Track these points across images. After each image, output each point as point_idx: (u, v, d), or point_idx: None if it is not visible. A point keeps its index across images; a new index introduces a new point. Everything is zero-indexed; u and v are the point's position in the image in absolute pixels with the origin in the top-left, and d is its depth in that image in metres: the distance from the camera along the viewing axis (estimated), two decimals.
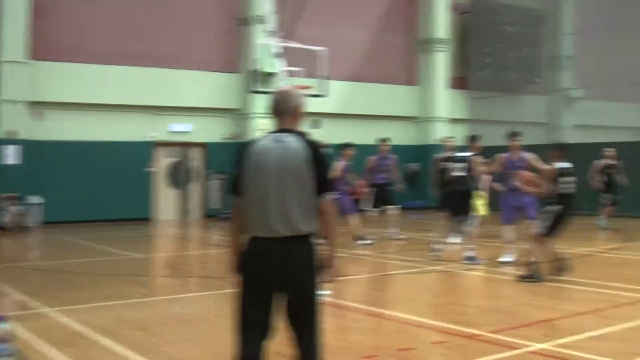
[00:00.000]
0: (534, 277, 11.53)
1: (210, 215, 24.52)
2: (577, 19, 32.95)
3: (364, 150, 18.39)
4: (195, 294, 11.50)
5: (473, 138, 14.38)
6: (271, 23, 24.57)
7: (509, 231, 13.65)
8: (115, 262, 14.90)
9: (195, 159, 25.43)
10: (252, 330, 4.93)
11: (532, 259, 11.70)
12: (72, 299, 10.33)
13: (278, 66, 24.15)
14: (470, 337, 7.97)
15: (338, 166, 16.12)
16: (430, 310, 10.05)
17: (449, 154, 15.09)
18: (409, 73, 30.53)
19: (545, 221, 11.70)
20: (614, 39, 29.65)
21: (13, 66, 21.76)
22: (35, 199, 21.67)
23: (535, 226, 12.04)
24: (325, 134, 22.84)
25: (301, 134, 5.02)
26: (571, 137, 30.24)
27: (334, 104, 26.05)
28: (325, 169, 4.95)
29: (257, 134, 20.22)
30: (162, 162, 24.71)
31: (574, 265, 12.01)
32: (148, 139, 24.08)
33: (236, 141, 24.74)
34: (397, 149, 18.62)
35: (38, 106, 22.28)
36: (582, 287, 11.22)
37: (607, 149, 20.15)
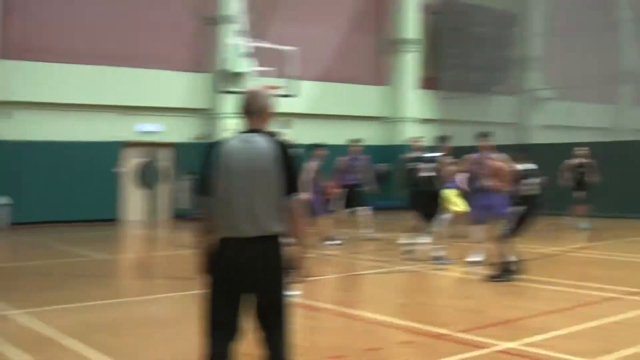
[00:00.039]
0: (502, 276, 11.61)
1: (179, 216, 24.37)
2: (546, 21, 33.17)
3: (334, 150, 18.39)
4: (164, 295, 11.44)
5: (442, 138, 14.44)
6: (241, 23, 24.56)
7: (478, 231, 13.73)
8: (83, 264, 14.78)
9: (164, 159, 25.29)
10: (220, 331, 4.91)
11: (501, 259, 11.78)
12: (39, 301, 10.24)
13: (247, 66, 24.13)
14: (438, 336, 8.00)
15: (311, 167, 16.14)
16: (399, 310, 10.07)
17: (417, 154, 15.17)
18: (379, 73, 30.59)
19: (509, 222, 11.80)
20: (582, 40, 29.92)
21: None
22: (2, 200, 21.46)
23: (500, 227, 12.13)
24: (295, 135, 22.81)
25: (270, 135, 5.01)
26: (539, 137, 30.48)
27: (304, 104, 26.04)
28: (294, 170, 4.94)
29: (226, 134, 20.14)
30: (131, 162, 24.56)
31: (533, 267, 12.14)
32: (117, 139, 23.90)
33: (205, 141, 24.63)
34: (366, 149, 18.61)
35: (6, 106, 22.05)
36: (550, 287, 11.31)
37: (578, 148, 20.24)
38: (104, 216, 23.26)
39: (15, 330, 8.46)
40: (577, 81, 29.95)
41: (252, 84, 21.66)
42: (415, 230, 14.53)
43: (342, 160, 17.52)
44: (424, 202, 14.01)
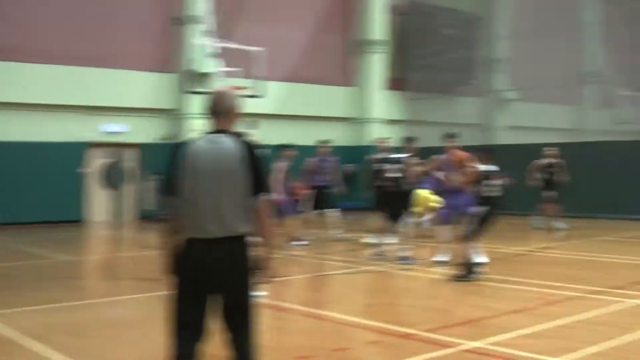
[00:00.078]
0: (467, 276, 11.69)
1: (144, 217, 24.25)
2: (511, 23, 33.43)
3: (301, 151, 18.34)
4: (129, 296, 11.37)
5: (409, 139, 14.49)
6: (207, 23, 24.49)
7: (444, 231, 13.80)
8: (47, 265, 14.65)
9: (130, 159, 25.13)
10: (186, 331, 4.89)
11: (465, 259, 11.86)
12: (1, 303, 10.12)
13: (214, 66, 24.08)
14: (405, 336, 8.03)
15: (280, 167, 16.14)
16: (366, 310, 10.10)
17: (383, 155, 15.23)
18: (346, 74, 30.65)
19: (471, 223, 11.89)
20: (546, 42, 30.19)
21: None
22: None
23: (463, 227, 12.21)
24: (262, 135, 22.78)
25: (237, 135, 5.01)
26: (504, 138, 30.72)
27: (270, 104, 26.03)
28: (261, 170, 4.94)
29: (192, 135, 20.07)
30: (96, 163, 24.37)
31: (498, 267, 12.22)
32: (82, 140, 23.70)
33: (171, 142, 24.50)
34: (334, 149, 18.61)
35: None
36: (515, 286, 11.39)
37: (548, 148, 20.37)
38: (68, 217, 23.06)
39: None
40: (542, 82, 30.22)
41: (218, 85, 21.62)
42: (382, 231, 14.59)
43: (311, 161, 17.50)
44: (390, 202, 14.07)
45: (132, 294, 11.50)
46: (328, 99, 29.61)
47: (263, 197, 4.93)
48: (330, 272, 13.85)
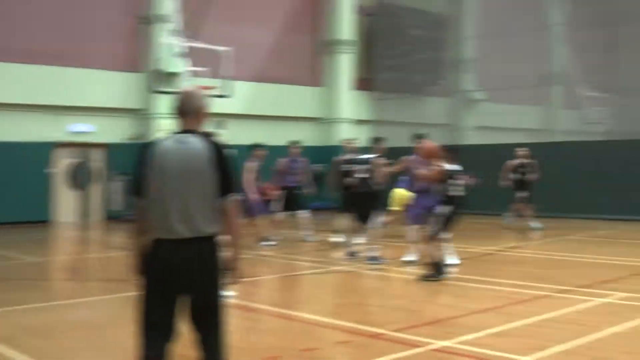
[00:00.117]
0: (435, 276, 11.72)
1: (112, 217, 24.10)
2: (478, 23, 33.62)
3: (269, 151, 18.31)
4: (97, 297, 11.28)
5: (376, 140, 14.50)
6: (175, 22, 24.38)
7: (413, 231, 13.83)
8: (12, 267, 14.51)
9: (97, 160, 24.95)
10: (155, 332, 4.85)
11: (432, 259, 11.89)
12: None
13: (182, 66, 23.97)
14: (374, 336, 8.04)
15: (250, 167, 16.11)
16: (335, 310, 10.10)
17: (350, 156, 15.24)
18: (314, 74, 30.65)
19: (436, 223, 11.94)
20: (514, 43, 30.41)
21: None
22: None
23: (428, 227, 12.24)
24: (230, 135, 22.74)
25: (205, 135, 4.98)
26: (472, 138, 30.90)
27: (238, 104, 25.97)
28: (229, 170, 4.92)
29: (160, 135, 19.95)
30: (63, 163, 24.17)
31: (466, 267, 12.28)
32: (48, 140, 23.47)
33: (139, 142, 24.35)
34: (304, 150, 18.55)
35: None
36: (483, 285, 11.45)
37: (519, 148, 20.48)
38: (35, 218, 22.84)
39: None
40: (509, 83, 30.43)
41: (186, 84, 21.53)
42: (351, 232, 14.61)
43: (281, 162, 17.43)
44: (358, 203, 14.10)
45: (100, 295, 11.41)
46: (296, 99, 29.59)
47: (231, 198, 4.91)
48: (299, 273, 13.84)
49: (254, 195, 16.10)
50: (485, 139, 29.02)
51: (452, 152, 12.40)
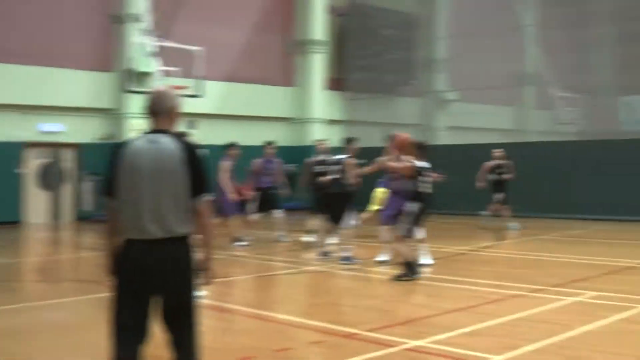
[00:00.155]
0: (408, 275, 11.73)
1: (83, 218, 23.93)
2: (451, 23, 33.73)
3: (242, 151, 18.25)
4: (69, 299, 11.17)
5: (349, 140, 14.49)
6: (146, 22, 24.25)
7: (387, 231, 13.83)
8: None
9: (68, 160, 24.76)
10: (128, 333, 4.82)
11: (404, 259, 11.90)
12: None
13: (153, 66, 23.85)
14: (348, 336, 8.03)
15: (225, 166, 16.07)
16: (309, 311, 10.08)
17: (322, 156, 15.24)
18: (286, 74, 30.60)
19: (405, 222, 11.95)
20: (486, 43, 30.53)
21: None
22: None
23: (399, 226, 12.22)
24: (202, 135, 22.67)
25: (177, 135, 4.95)
26: (445, 138, 31.00)
27: (210, 104, 25.90)
28: (201, 171, 4.90)
29: (131, 135, 19.82)
30: (33, 163, 23.95)
31: (440, 266, 12.32)
32: (18, 139, 23.25)
33: (110, 142, 24.18)
34: (278, 150, 18.48)
35: None
36: (456, 285, 11.48)
37: (495, 150, 20.53)
38: (5, 219, 22.59)
39: None
40: (481, 83, 30.55)
41: (158, 84, 21.43)
42: (324, 232, 14.61)
43: (256, 162, 17.35)
44: (331, 204, 14.11)
45: (71, 297, 11.32)
46: (268, 99, 29.52)
47: (203, 198, 4.89)
48: (272, 273, 13.81)
49: (231, 194, 16.07)
50: (457, 139, 29.13)
51: (421, 148, 12.42)
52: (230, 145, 16.57)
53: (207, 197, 4.93)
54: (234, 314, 9.77)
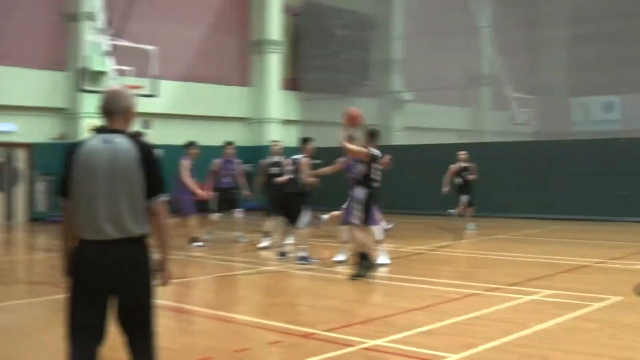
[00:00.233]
0: (363, 274, 11.73)
1: (36, 219, 23.62)
2: (407, 24, 33.87)
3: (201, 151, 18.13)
4: (22, 301, 10.99)
5: (305, 140, 14.47)
6: (100, 20, 24.01)
7: (346, 231, 13.84)
8: None
9: (20, 160, 24.41)
10: (84, 334, 4.76)
11: (362, 249, 11.88)
12: None
13: (107, 65, 23.62)
14: (306, 335, 8.01)
15: (185, 165, 15.98)
16: (266, 311, 10.04)
17: (276, 158, 15.24)
18: (242, 74, 30.49)
19: (357, 211, 11.94)
20: (442, 44, 30.73)
21: None
22: None
23: (352, 218, 12.18)
24: (157, 135, 22.49)
25: (132, 135, 4.90)
26: (401, 139, 31.13)
27: (165, 104, 25.71)
28: (157, 171, 4.87)
29: (86, 134, 19.59)
30: None
31: (397, 266, 12.35)
32: None
33: (64, 142, 23.87)
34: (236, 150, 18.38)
35: None
36: (414, 284, 11.51)
37: (460, 152, 20.50)
38: None
39: None
40: (437, 84, 30.73)
41: (112, 83, 21.24)
42: (280, 232, 14.60)
43: (216, 162, 17.24)
44: (286, 204, 14.11)
45: (25, 299, 11.15)
46: (224, 98, 29.39)
47: (159, 198, 4.86)
48: (230, 273, 13.75)
49: (198, 191, 16.00)
50: (414, 139, 29.28)
51: (373, 135, 12.44)
52: (190, 144, 16.46)
53: (163, 198, 4.90)
54: (192, 314, 9.71)
